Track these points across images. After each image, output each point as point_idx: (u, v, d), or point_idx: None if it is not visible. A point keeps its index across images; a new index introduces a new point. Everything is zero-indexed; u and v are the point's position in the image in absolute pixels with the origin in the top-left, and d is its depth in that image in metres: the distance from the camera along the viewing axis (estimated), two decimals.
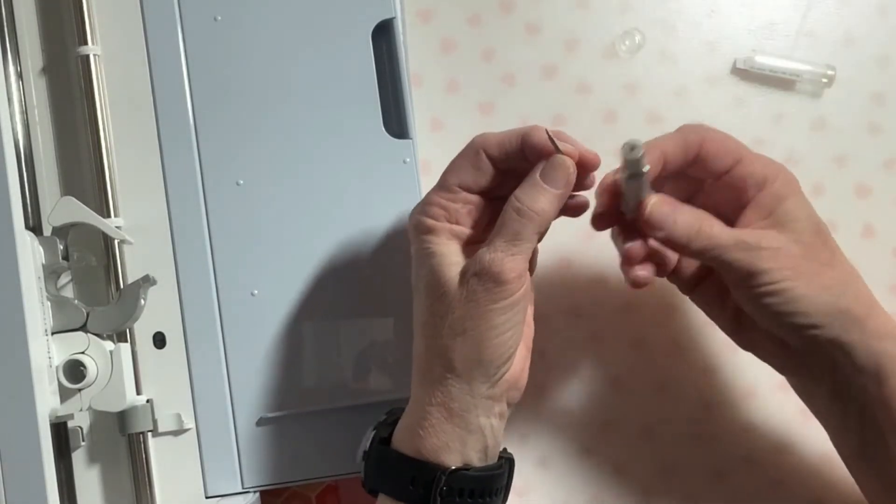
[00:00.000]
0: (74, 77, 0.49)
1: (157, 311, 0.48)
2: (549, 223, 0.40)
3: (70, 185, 0.49)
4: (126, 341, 0.48)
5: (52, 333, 0.45)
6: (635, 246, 0.42)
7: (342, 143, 0.49)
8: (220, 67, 0.49)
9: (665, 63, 0.53)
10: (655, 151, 0.40)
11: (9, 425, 0.40)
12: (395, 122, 0.49)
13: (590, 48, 0.53)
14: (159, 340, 0.48)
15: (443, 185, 0.41)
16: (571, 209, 0.42)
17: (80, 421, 0.48)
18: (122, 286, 0.48)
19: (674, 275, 0.45)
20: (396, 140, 0.49)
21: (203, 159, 0.49)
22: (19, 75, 0.49)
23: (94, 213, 0.47)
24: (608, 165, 0.42)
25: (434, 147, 0.53)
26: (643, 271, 0.42)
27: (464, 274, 0.39)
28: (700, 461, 0.52)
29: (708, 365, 0.52)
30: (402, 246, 0.48)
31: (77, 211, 0.46)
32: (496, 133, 0.41)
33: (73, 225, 0.47)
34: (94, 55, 0.48)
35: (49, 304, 0.46)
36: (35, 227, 0.48)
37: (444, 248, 0.40)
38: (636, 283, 0.42)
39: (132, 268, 0.48)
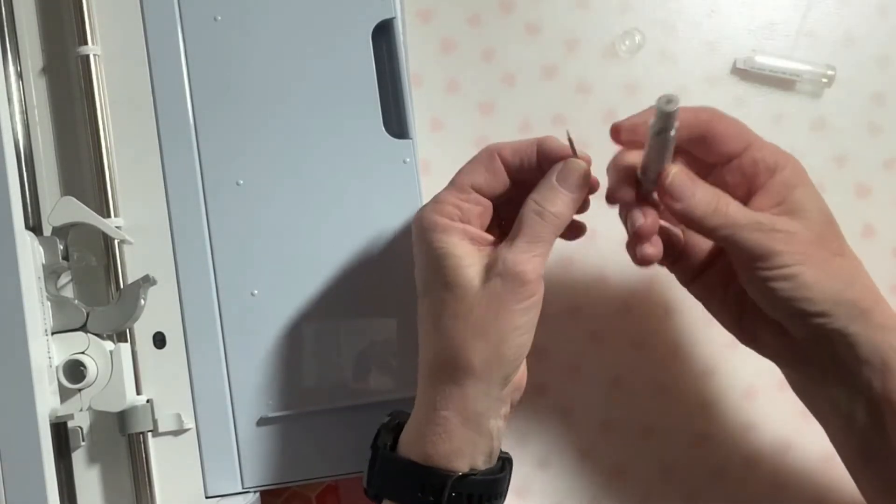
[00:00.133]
0: (74, 77, 0.49)
1: (157, 311, 0.48)
2: (565, 225, 0.41)
3: (70, 185, 0.49)
4: (126, 341, 0.48)
5: (52, 333, 0.45)
6: (647, 223, 0.41)
7: (342, 143, 0.49)
8: (220, 67, 0.49)
9: (665, 63, 0.53)
10: (676, 166, 0.40)
11: (9, 425, 0.40)
12: (395, 122, 0.49)
13: (590, 48, 0.53)
14: (159, 340, 0.48)
15: (456, 185, 0.41)
16: (568, 232, 0.42)
17: (80, 421, 0.48)
18: (122, 286, 0.48)
19: (676, 264, 0.45)
20: (396, 140, 0.49)
21: (203, 159, 0.49)
22: (19, 75, 0.49)
23: (94, 213, 0.47)
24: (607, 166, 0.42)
25: (434, 147, 0.53)
26: (652, 248, 0.41)
27: (485, 275, 0.39)
28: (700, 461, 0.52)
29: (708, 365, 0.52)
30: (403, 246, 0.48)
31: (77, 211, 0.46)
32: (510, 142, 0.41)
33: (73, 225, 0.47)
34: (94, 55, 0.48)
35: (49, 304, 0.46)
36: (35, 227, 0.48)
37: (459, 249, 0.40)
38: (644, 261, 0.41)
39: (132, 268, 0.48)
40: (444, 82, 0.53)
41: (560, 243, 0.42)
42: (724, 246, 0.40)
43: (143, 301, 0.47)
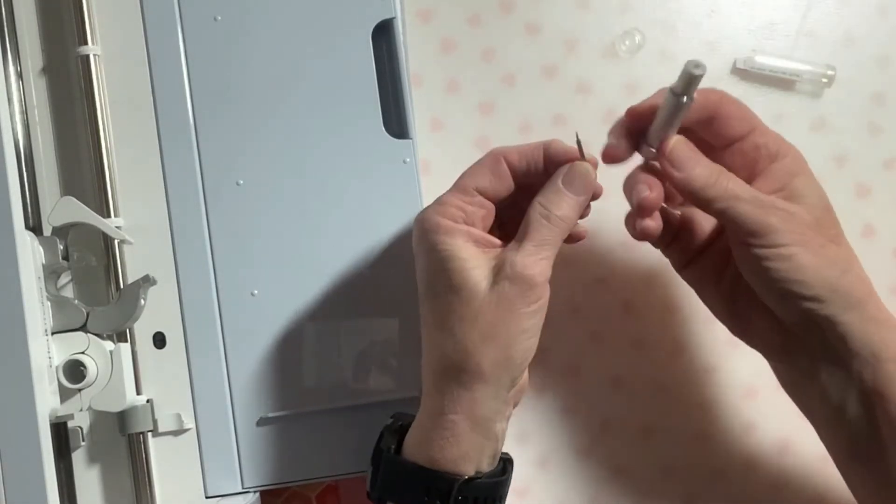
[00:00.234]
0: (74, 77, 0.49)
1: (157, 311, 0.48)
2: (572, 228, 0.41)
3: (70, 185, 0.49)
4: (126, 341, 0.48)
5: (52, 333, 0.45)
6: (651, 195, 0.41)
7: (342, 143, 0.49)
8: (220, 67, 0.49)
9: (665, 63, 0.53)
10: (676, 136, 0.41)
11: (9, 425, 0.40)
12: (395, 122, 0.49)
13: (590, 48, 0.53)
14: (159, 340, 0.48)
15: (460, 188, 0.41)
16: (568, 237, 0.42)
17: (80, 421, 0.48)
18: (122, 286, 0.48)
19: (671, 246, 0.45)
20: (396, 140, 0.49)
21: (203, 159, 0.49)
22: (19, 75, 0.49)
23: (94, 213, 0.47)
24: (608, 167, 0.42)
25: (434, 147, 0.53)
26: (652, 222, 0.41)
27: (492, 278, 0.39)
28: (700, 461, 0.52)
29: (708, 365, 0.52)
30: (402, 246, 0.48)
31: (77, 211, 0.46)
32: (516, 146, 0.41)
33: (73, 225, 0.47)
34: (94, 55, 0.48)
35: (49, 304, 0.46)
36: (35, 227, 0.48)
37: (464, 252, 0.40)
38: (644, 234, 0.41)
39: (132, 268, 0.48)
40: (444, 82, 0.53)
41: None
42: (722, 220, 0.40)
43: (143, 301, 0.47)
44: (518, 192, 0.42)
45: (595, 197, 0.42)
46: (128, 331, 0.48)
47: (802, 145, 0.52)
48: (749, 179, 0.41)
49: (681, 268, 0.45)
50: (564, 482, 0.52)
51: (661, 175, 0.41)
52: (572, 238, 0.43)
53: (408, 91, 0.49)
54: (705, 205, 0.40)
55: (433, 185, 0.49)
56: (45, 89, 0.50)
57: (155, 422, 0.48)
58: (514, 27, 0.53)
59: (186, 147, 0.49)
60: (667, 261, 0.46)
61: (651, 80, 0.53)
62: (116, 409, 0.46)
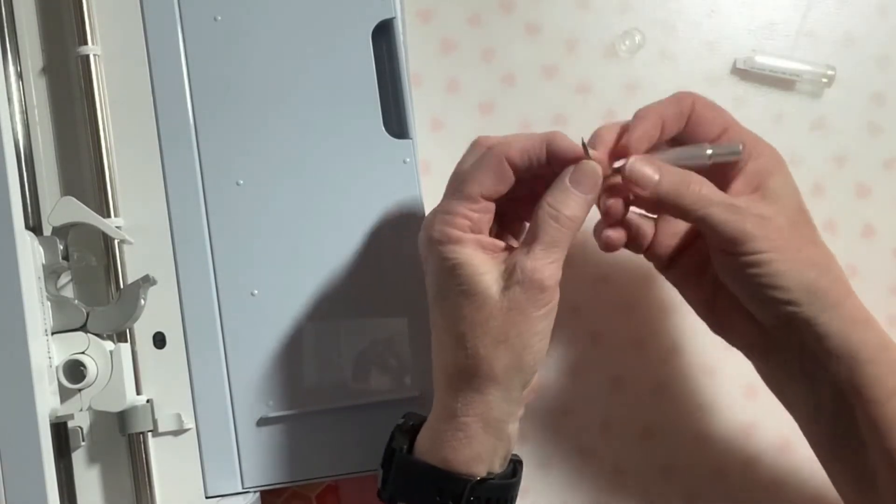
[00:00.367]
0: (74, 77, 0.49)
1: (157, 311, 0.48)
2: (580, 227, 0.40)
3: (70, 185, 0.49)
4: (126, 341, 0.48)
5: (52, 333, 0.45)
6: (616, 203, 0.42)
7: (342, 143, 0.49)
8: (220, 67, 0.49)
9: (665, 63, 0.53)
10: (654, 117, 0.41)
11: (9, 425, 0.40)
12: (395, 122, 0.49)
13: (590, 48, 0.53)
14: (159, 340, 0.48)
15: (466, 195, 0.40)
16: None
17: (80, 421, 0.48)
18: (122, 286, 0.48)
19: (650, 250, 0.45)
20: (396, 140, 0.49)
21: (203, 159, 0.49)
22: (19, 75, 0.49)
23: (94, 213, 0.47)
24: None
25: (434, 147, 0.53)
26: (615, 233, 0.42)
27: (503, 282, 0.39)
28: (700, 461, 0.52)
29: (708, 365, 0.52)
30: (402, 246, 0.48)
31: (77, 211, 0.46)
32: (515, 140, 0.40)
33: (73, 225, 0.47)
34: (94, 55, 0.48)
35: (49, 304, 0.46)
36: (35, 227, 0.48)
37: (474, 259, 0.40)
38: (608, 245, 0.42)
39: (132, 268, 0.48)
40: (444, 82, 0.53)
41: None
42: (700, 227, 0.41)
43: (143, 301, 0.47)
44: (518, 186, 0.42)
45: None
46: (128, 331, 0.48)
47: (802, 145, 0.53)
48: (726, 181, 0.41)
49: (662, 269, 0.45)
50: (565, 482, 0.52)
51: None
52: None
53: (408, 91, 0.49)
54: (682, 215, 0.40)
55: (433, 185, 0.49)
56: (45, 89, 0.50)
57: (155, 422, 0.48)
58: (514, 27, 0.53)
59: (186, 147, 0.49)
60: None
61: (651, 80, 0.53)
62: (116, 409, 0.46)
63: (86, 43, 0.48)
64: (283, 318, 0.48)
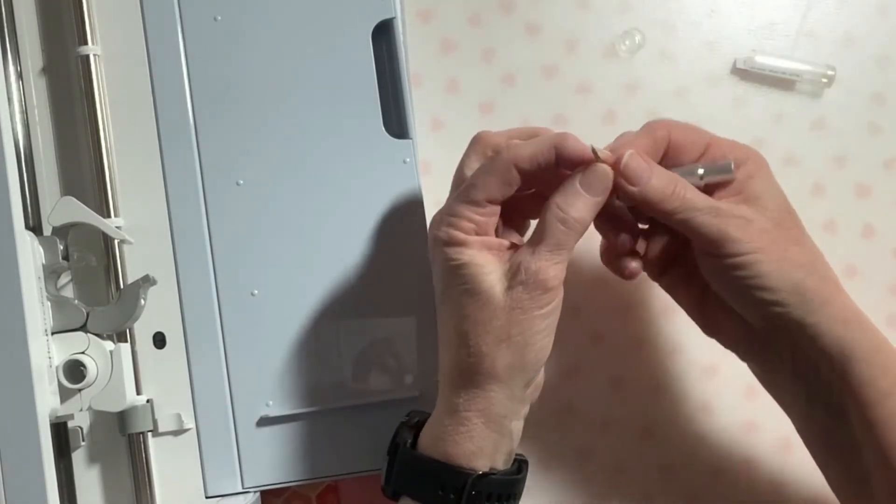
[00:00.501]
0: (74, 77, 0.49)
1: (157, 311, 0.48)
2: (587, 230, 0.41)
3: (70, 185, 0.49)
4: (126, 341, 0.48)
5: (52, 333, 0.45)
6: (628, 238, 0.43)
7: (342, 143, 0.49)
8: (220, 67, 0.49)
9: (665, 63, 0.53)
10: (628, 149, 0.41)
11: (9, 425, 0.40)
12: (395, 122, 0.49)
13: (590, 48, 0.53)
14: (159, 340, 0.48)
15: (472, 200, 0.40)
16: None
17: (80, 421, 0.48)
18: (122, 286, 0.48)
19: (643, 259, 0.45)
20: (396, 140, 0.49)
21: (203, 159, 0.49)
22: (19, 75, 0.49)
23: (94, 213, 0.47)
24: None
25: (434, 147, 0.53)
26: (636, 263, 0.43)
27: (507, 281, 0.39)
28: (699, 461, 0.51)
29: (708, 365, 0.52)
30: (402, 246, 0.48)
31: (77, 211, 0.46)
32: (523, 145, 0.40)
33: (73, 225, 0.47)
34: (94, 55, 0.48)
35: (49, 304, 0.46)
36: (35, 227, 0.48)
37: (479, 259, 0.40)
38: (632, 275, 0.44)
39: (132, 268, 0.48)
40: (444, 82, 0.53)
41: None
42: (683, 231, 0.41)
43: (143, 301, 0.47)
44: (530, 189, 0.42)
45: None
46: (128, 331, 0.48)
47: (802, 145, 0.53)
48: (711, 185, 0.42)
49: (655, 278, 0.46)
50: (565, 482, 0.52)
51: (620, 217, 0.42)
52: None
53: (408, 91, 0.49)
54: (665, 217, 0.40)
55: (433, 184, 0.49)
56: (45, 89, 0.50)
57: (155, 422, 0.48)
58: (514, 27, 0.53)
59: (186, 147, 0.49)
60: None
61: (651, 80, 0.53)
62: (116, 409, 0.46)
63: (86, 43, 0.48)
64: (283, 318, 0.48)
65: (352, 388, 0.48)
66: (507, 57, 0.53)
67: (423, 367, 0.48)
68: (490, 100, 0.53)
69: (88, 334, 0.46)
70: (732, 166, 0.41)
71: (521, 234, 0.45)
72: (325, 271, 0.48)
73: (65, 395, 0.46)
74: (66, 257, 0.47)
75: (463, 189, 0.41)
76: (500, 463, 0.41)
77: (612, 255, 0.44)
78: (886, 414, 0.39)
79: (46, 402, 0.42)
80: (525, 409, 0.42)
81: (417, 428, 0.43)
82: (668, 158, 0.42)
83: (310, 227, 0.49)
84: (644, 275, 0.47)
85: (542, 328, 0.40)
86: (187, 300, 0.48)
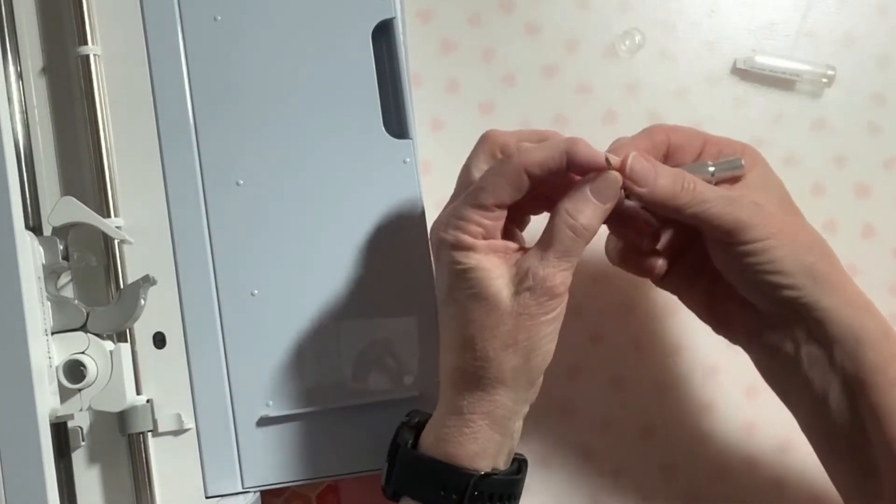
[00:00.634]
0: (74, 77, 0.49)
1: (157, 311, 0.48)
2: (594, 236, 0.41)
3: (70, 185, 0.49)
4: (126, 341, 0.48)
5: (52, 333, 0.45)
6: (650, 236, 0.44)
7: (342, 143, 0.49)
8: (220, 67, 0.49)
9: (665, 63, 0.53)
10: (628, 151, 0.41)
11: (9, 425, 0.40)
12: (395, 122, 0.49)
13: (590, 48, 0.53)
14: (159, 340, 0.48)
15: (481, 204, 0.40)
16: None
17: (80, 421, 0.48)
18: (122, 286, 0.48)
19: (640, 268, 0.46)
20: (396, 140, 0.49)
21: (203, 159, 0.49)
22: (19, 75, 0.49)
23: (94, 213, 0.47)
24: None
25: (434, 147, 0.53)
26: (661, 259, 0.44)
27: (514, 286, 0.39)
28: (700, 461, 0.51)
29: (708, 365, 0.52)
30: (402, 246, 0.48)
31: (77, 211, 0.46)
32: (534, 150, 0.40)
33: (73, 225, 0.47)
34: (94, 55, 0.48)
35: (49, 304, 0.46)
36: (35, 227, 0.48)
37: (486, 263, 0.40)
38: (659, 272, 0.44)
39: (132, 268, 0.48)
40: (444, 82, 0.53)
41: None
42: (696, 223, 0.41)
43: (143, 301, 0.47)
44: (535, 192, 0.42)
45: None
46: (128, 331, 0.48)
47: (802, 145, 0.53)
48: (721, 186, 0.42)
49: (658, 282, 0.46)
50: (564, 482, 0.52)
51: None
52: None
53: (408, 91, 0.49)
54: (676, 213, 0.40)
55: (433, 184, 0.49)
56: (45, 89, 0.50)
57: (155, 422, 0.48)
58: (514, 27, 0.53)
59: (186, 147, 0.49)
60: None
61: (651, 80, 0.53)
62: (116, 409, 0.46)
63: (86, 43, 0.48)
64: (283, 318, 0.48)
65: (352, 388, 0.48)
66: (507, 57, 0.53)
67: (423, 367, 0.48)
68: (490, 100, 0.53)
69: (88, 334, 0.46)
70: (742, 162, 0.41)
71: (521, 229, 0.45)
72: (325, 271, 0.48)
73: (65, 395, 0.46)
74: (66, 257, 0.47)
75: (471, 192, 0.40)
76: (502, 463, 0.42)
77: (630, 256, 0.45)
78: (894, 402, 0.39)
79: (46, 402, 0.42)
80: (526, 409, 0.42)
81: (418, 428, 0.43)
82: (670, 161, 0.42)
83: (310, 227, 0.49)
84: None
85: (547, 333, 0.40)
86: (187, 300, 0.48)
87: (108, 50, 0.49)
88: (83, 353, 0.46)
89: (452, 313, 0.41)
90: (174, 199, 0.49)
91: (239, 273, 0.48)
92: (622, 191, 0.40)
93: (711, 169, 0.41)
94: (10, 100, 0.48)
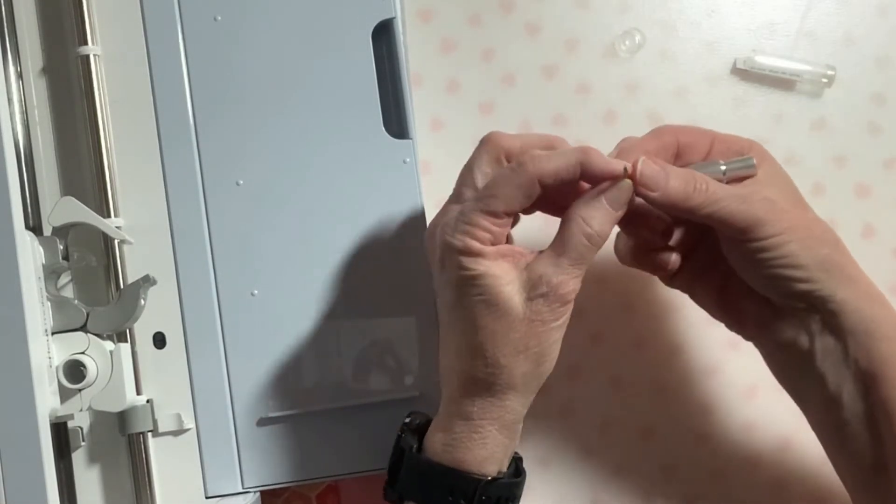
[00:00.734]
0: (74, 77, 0.49)
1: (157, 311, 0.48)
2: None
3: (70, 185, 0.49)
4: (126, 341, 0.48)
5: (52, 333, 0.45)
6: (663, 233, 0.44)
7: (342, 143, 0.49)
8: (220, 67, 0.49)
9: (665, 63, 0.53)
10: (637, 153, 0.41)
11: (9, 425, 0.40)
12: (395, 122, 0.49)
13: (590, 48, 0.53)
14: (159, 340, 0.48)
15: (492, 211, 0.39)
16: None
17: (80, 421, 0.48)
18: (122, 286, 0.48)
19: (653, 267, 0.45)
20: (396, 140, 0.49)
21: (203, 159, 0.49)
22: (19, 75, 0.49)
23: (94, 213, 0.47)
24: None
25: (434, 147, 0.53)
26: (674, 255, 0.44)
27: (527, 293, 0.39)
28: (700, 461, 0.51)
29: (708, 365, 0.52)
30: (402, 246, 0.48)
31: (77, 211, 0.46)
32: (546, 159, 0.39)
33: (73, 225, 0.47)
34: (94, 55, 0.48)
35: (49, 304, 0.46)
36: (35, 227, 0.48)
37: (496, 269, 0.39)
38: (673, 267, 0.44)
39: (132, 268, 0.48)
40: (444, 82, 0.53)
41: None
42: (710, 223, 0.41)
43: (143, 301, 0.47)
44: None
45: None
46: (128, 331, 0.48)
47: (802, 145, 0.53)
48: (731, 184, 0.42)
49: (669, 281, 0.46)
50: (564, 482, 0.52)
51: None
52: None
53: (408, 91, 0.49)
54: (690, 214, 0.40)
55: (433, 184, 0.49)
56: (45, 89, 0.50)
57: (155, 422, 0.48)
58: (514, 27, 0.53)
59: (186, 147, 0.49)
60: None
61: (651, 80, 0.53)
62: (116, 409, 0.46)
63: (86, 43, 0.48)
64: (283, 318, 0.48)
65: (352, 388, 0.48)
66: (507, 57, 0.53)
67: (423, 367, 0.48)
68: (490, 100, 0.53)
69: (88, 334, 0.46)
70: (754, 161, 0.41)
71: (513, 225, 0.45)
72: (326, 271, 0.48)
73: (65, 395, 0.46)
74: (66, 257, 0.47)
75: (482, 198, 0.40)
76: (504, 465, 0.42)
77: (643, 253, 0.45)
78: None
79: (46, 402, 0.42)
80: (525, 411, 0.42)
81: (419, 431, 0.43)
82: (680, 160, 0.43)
83: (310, 227, 0.49)
84: (644, 275, 0.47)
85: (556, 338, 0.40)
86: (187, 300, 0.48)
87: (108, 50, 0.49)
88: (83, 353, 0.46)
89: (459, 320, 0.40)
90: (174, 199, 0.49)
91: (239, 273, 0.48)
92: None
93: (723, 168, 0.41)
94: (10, 100, 0.48)
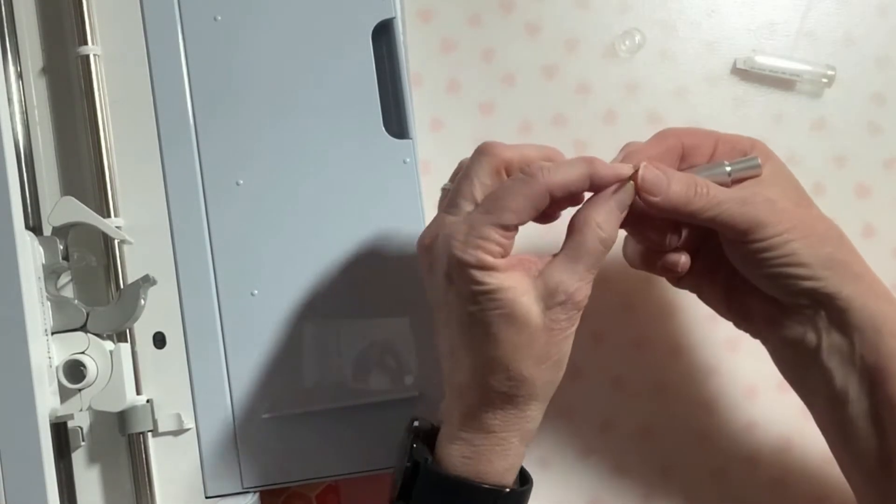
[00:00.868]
0: (74, 77, 0.49)
1: (157, 311, 0.48)
2: None
3: (70, 185, 0.49)
4: (126, 341, 0.48)
5: (52, 333, 0.45)
6: (672, 234, 0.43)
7: (342, 143, 0.49)
8: (220, 67, 0.49)
9: (665, 63, 0.53)
10: (641, 157, 0.41)
11: (9, 425, 0.40)
12: (395, 122, 0.49)
13: (590, 48, 0.53)
14: (159, 340, 0.48)
15: (503, 224, 0.39)
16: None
17: (80, 421, 0.48)
18: (122, 286, 0.48)
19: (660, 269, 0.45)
20: (396, 140, 0.49)
21: (203, 159, 0.49)
22: (19, 75, 0.49)
23: (94, 213, 0.47)
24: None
25: (434, 147, 0.53)
26: (684, 256, 0.44)
27: (545, 302, 0.39)
28: (700, 461, 0.52)
29: (708, 365, 0.52)
30: (403, 246, 0.48)
31: (77, 211, 0.46)
32: (555, 171, 0.39)
33: (73, 225, 0.47)
34: (94, 55, 0.48)
35: (49, 304, 0.46)
36: (35, 227, 0.48)
37: (510, 281, 0.38)
38: (683, 268, 0.44)
39: (132, 268, 0.48)
40: (444, 82, 0.53)
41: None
42: (712, 226, 0.41)
43: (143, 301, 0.47)
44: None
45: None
46: (128, 331, 0.48)
47: (802, 145, 0.53)
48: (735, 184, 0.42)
49: (676, 282, 0.46)
50: (565, 482, 0.52)
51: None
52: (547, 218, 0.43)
53: (408, 91, 0.49)
54: (691, 218, 0.40)
55: (433, 185, 0.49)
56: (45, 89, 0.50)
57: (155, 422, 0.48)
58: (514, 27, 0.53)
59: (186, 147, 0.49)
60: None
61: (651, 80, 0.53)
62: (116, 409, 0.46)
63: (86, 43, 0.48)
64: (283, 318, 0.48)
65: (352, 388, 0.48)
66: (507, 57, 0.53)
67: (423, 367, 0.48)
68: (490, 100, 0.53)
69: (88, 334, 0.46)
70: (759, 161, 0.41)
71: None
72: (325, 271, 0.48)
73: (65, 395, 0.46)
74: (66, 257, 0.47)
75: (493, 211, 0.39)
76: (517, 473, 0.42)
77: (653, 256, 0.44)
78: None
79: (46, 402, 0.42)
80: None
81: (428, 440, 0.42)
82: (685, 162, 0.43)
83: (310, 227, 0.49)
84: (645, 275, 0.47)
85: (570, 344, 0.40)
86: (187, 300, 0.48)
87: (108, 50, 0.49)
88: (83, 353, 0.46)
89: (478, 335, 0.39)
90: (174, 199, 0.49)
91: (239, 273, 0.48)
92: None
93: (728, 169, 0.41)
94: (10, 100, 0.48)
